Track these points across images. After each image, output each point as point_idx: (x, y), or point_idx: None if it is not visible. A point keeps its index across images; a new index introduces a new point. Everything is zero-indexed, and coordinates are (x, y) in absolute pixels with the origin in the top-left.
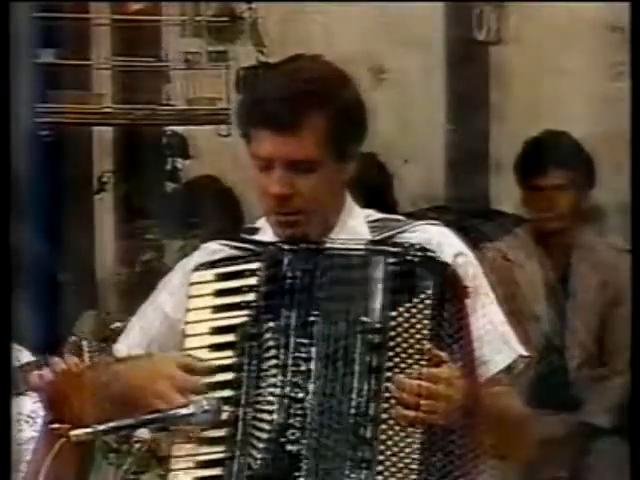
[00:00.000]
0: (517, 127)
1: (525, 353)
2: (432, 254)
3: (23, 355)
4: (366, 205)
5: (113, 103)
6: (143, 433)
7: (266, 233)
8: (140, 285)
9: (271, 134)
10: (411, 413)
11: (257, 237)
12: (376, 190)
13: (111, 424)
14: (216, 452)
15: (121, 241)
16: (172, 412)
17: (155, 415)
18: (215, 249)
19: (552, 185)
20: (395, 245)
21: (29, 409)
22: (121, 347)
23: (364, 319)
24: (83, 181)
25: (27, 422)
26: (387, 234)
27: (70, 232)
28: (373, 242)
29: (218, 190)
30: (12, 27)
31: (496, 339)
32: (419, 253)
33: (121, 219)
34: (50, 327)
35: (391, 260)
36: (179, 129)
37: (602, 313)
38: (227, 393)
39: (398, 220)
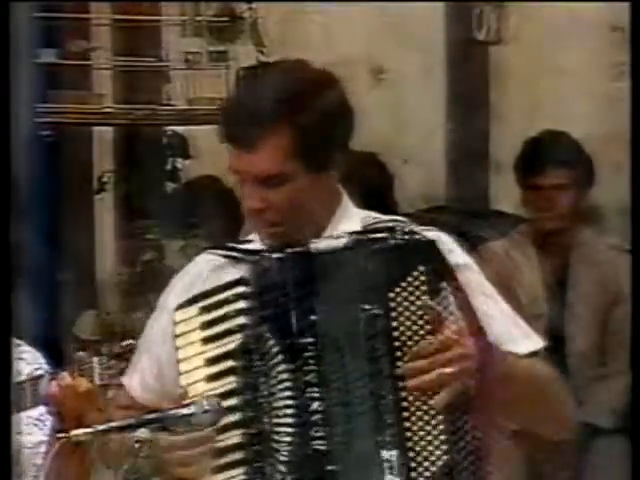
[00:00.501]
0: (517, 127)
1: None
2: (415, 234)
3: (23, 349)
4: (367, 206)
5: (113, 103)
6: (143, 433)
7: (258, 241)
8: (141, 285)
9: (237, 151)
10: (431, 378)
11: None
12: (377, 191)
13: (112, 424)
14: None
15: (121, 241)
16: (172, 412)
17: (155, 415)
18: (209, 259)
19: (551, 185)
20: (377, 231)
21: (38, 412)
22: (132, 382)
23: (365, 307)
24: (83, 181)
25: (36, 425)
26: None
27: (70, 232)
28: (356, 232)
29: (218, 190)
30: (13, 27)
31: (518, 333)
32: (403, 235)
33: (121, 219)
34: (50, 327)
35: (377, 246)
36: (179, 129)
37: (602, 313)
38: (238, 417)
39: (393, 222)
